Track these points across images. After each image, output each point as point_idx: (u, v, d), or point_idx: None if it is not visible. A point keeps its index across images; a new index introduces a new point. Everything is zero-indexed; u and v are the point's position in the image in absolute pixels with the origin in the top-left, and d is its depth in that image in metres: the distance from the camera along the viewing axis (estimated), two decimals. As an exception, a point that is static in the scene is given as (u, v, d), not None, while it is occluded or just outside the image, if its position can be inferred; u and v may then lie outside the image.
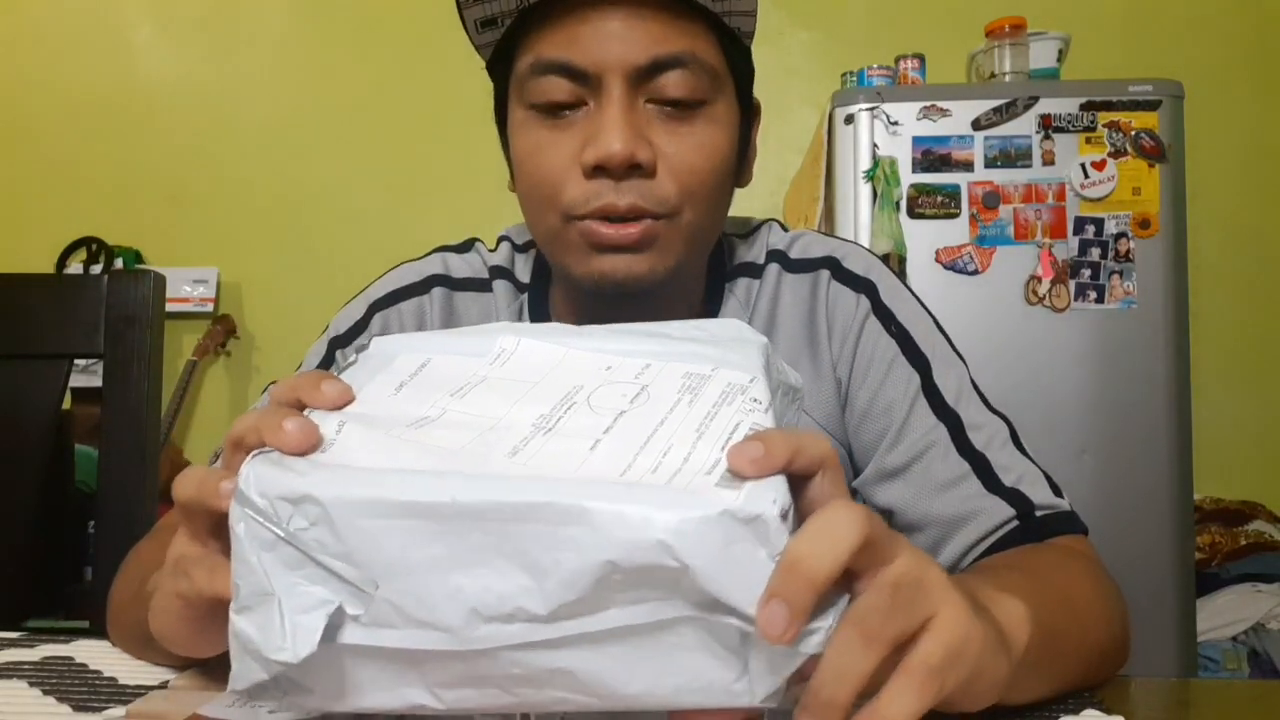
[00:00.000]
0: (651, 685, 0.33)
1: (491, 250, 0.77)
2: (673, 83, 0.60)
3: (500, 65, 0.66)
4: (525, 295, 0.74)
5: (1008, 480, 0.63)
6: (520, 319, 0.73)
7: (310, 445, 0.36)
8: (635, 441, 0.37)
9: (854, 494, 0.68)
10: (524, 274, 0.75)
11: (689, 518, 0.31)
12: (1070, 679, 0.47)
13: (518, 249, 0.77)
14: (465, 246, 0.77)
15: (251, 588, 0.33)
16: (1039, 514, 0.62)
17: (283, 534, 0.33)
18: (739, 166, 0.67)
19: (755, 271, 0.73)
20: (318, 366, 0.71)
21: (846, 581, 0.33)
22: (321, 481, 0.33)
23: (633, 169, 0.59)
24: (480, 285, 0.74)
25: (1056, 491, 0.64)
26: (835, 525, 0.32)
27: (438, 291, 0.73)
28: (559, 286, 0.72)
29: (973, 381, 0.68)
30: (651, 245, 0.61)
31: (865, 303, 0.70)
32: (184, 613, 0.39)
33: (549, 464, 0.35)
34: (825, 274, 0.71)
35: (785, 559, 0.31)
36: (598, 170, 0.59)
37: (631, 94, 0.59)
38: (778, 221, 0.77)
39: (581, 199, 0.60)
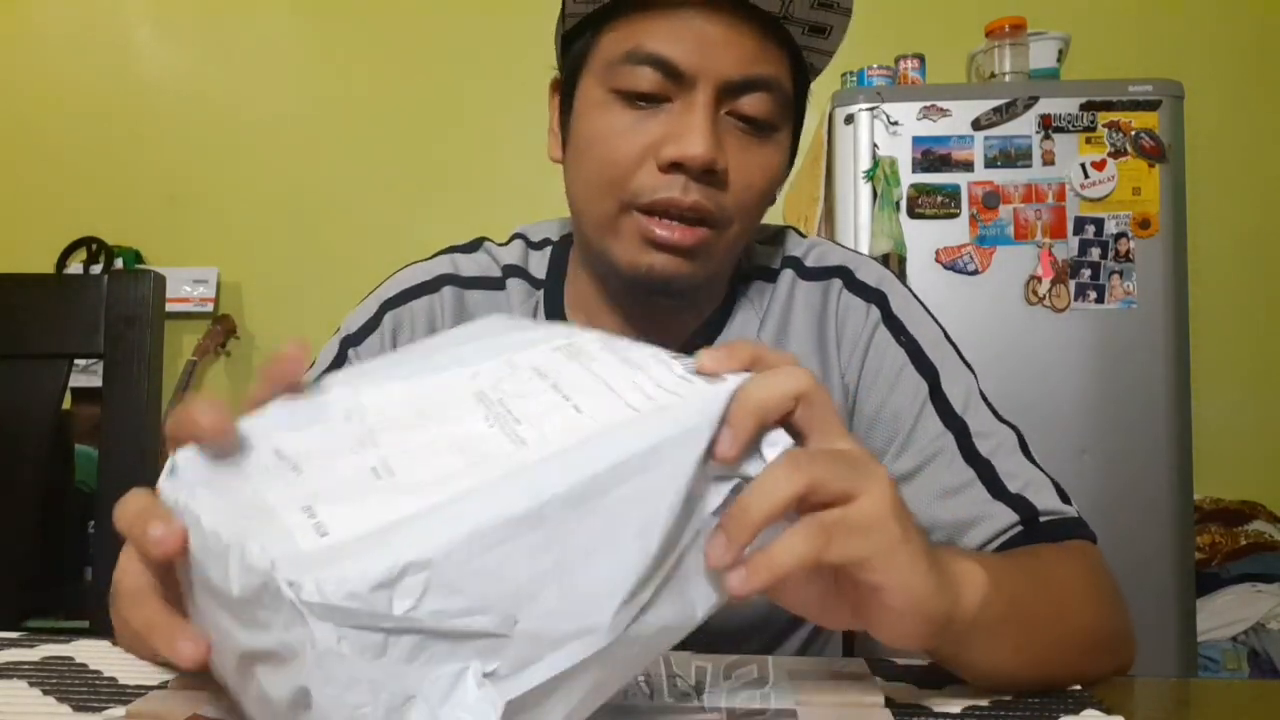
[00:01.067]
0: (709, 593, 0.36)
1: (503, 245, 0.77)
2: (755, 103, 0.62)
3: (581, 39, 0.66)
4: (541, 292, 0.74)
5: (1013, 487, 0.63)
6: (535, 316, 0.74)
7: (222, 428, 0.35)
8: (606, 389, 0.36)
9: None
10: (539, 271, 0.75)
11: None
12: (1046, 658, 0.48)
13: (532, 246, 0.77)
14: (473, 246, 0.78)
15: (386, 704, 0.28)
16: (1043, 519, 0.62)
17: (394, 626, 0.28)
18: None
19: (770, 276, 0.74)
20: (330, 366, 0.72)
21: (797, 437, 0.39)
22: (415, 540, 0.29)
23: (707, 173, 0.61)
24: (492, 284, 0.75)
25: (1064, 499, 0.64)
26: (776, 374, 0.39)
27: (448, 290, 0.74)
28: (580, 281, 0.72)
29: (981, 391, 0.69)
30: (701, 253, 0.63)
31: (875, 313, 0.70)
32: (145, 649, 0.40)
33: (566, 435, 0.34)
34: (837, 283, 0.72)
35: (736, 397, 0.37)
36: (674, 167, 0.60)
37: (717, 103, 0.61)
38: (794, 229, 0.77)
39: (649, 188, 0.61)
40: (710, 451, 0.35)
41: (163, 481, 0.36)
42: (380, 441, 0.35)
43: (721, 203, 0.62)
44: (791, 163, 0.69)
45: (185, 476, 0.35)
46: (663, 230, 0.61)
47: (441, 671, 0.29)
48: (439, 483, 0.32)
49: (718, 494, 0.36)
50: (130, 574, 0.37)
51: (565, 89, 0.68)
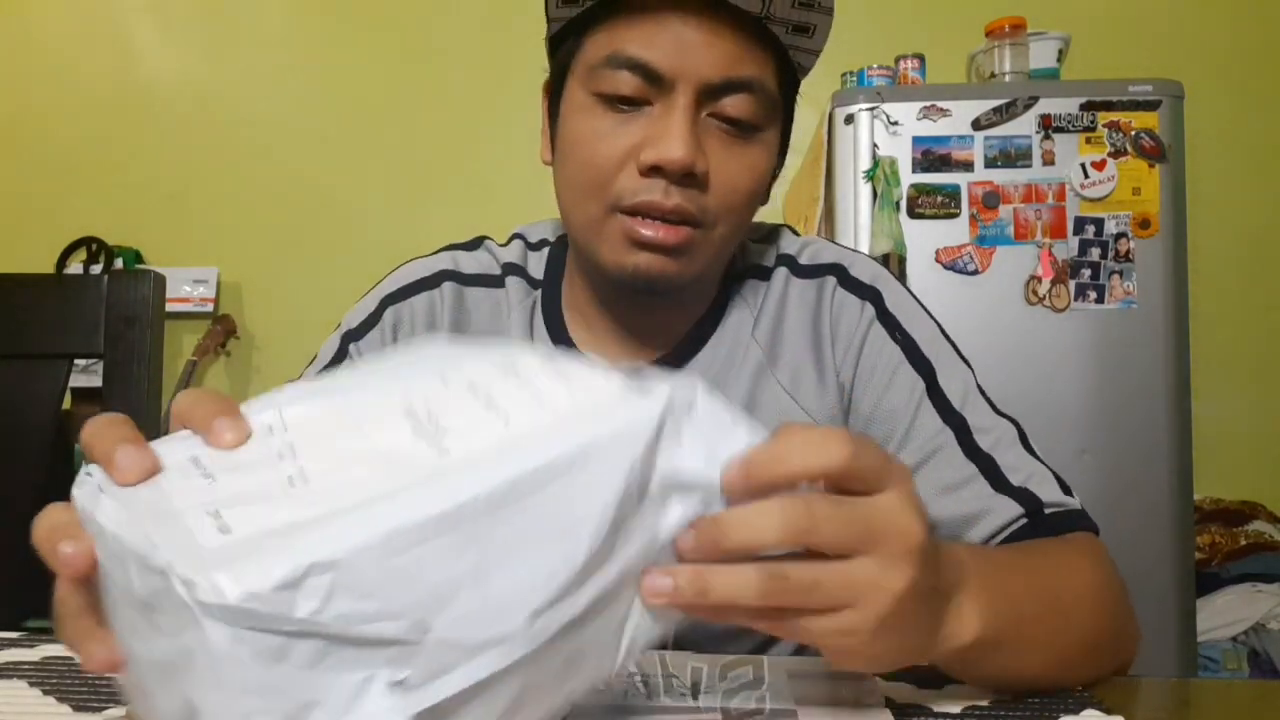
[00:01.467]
0: (649, 627, 0.35)
1: (503, 245, 0.78)
2: (737, 105, 0.62)
3: (566, 42, 0.66)
4: (539, 292, 0.75)
5: (1016, 480, 0.63)
6: (533, 316, 0.74)
7: (147, 473, 0.32)
8: (539, 404, 0.35)
9: None
10: (537, 271, 0.76)
11: (661, 412, 0.34)
12: (1047, 663, 0.49)
13: (531, 247, 0.78)
14: (474, 244, 0.78)
15: (283, 712, 0.27)
16: (1048, 511, 0.62)
17: (296, 629, 0.26)
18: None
19: (763, 274, 0.74)
20: (330, 362, 0.72)
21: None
22: (323, 540, 0.27)
23: (687, 176, 0.61)
24: (492, 281, 0.75)
25: (1067, 491, 0.64)
26: (737, 576, 0.36)
27: (448, 287, 0.74)
28: (575, 281, 0.72)
29: (979, 386, 0.69)
30: (685, 252, 0.63)
31: (870, 310, 0.70)
32: None
33: (491, 445, 0.32)
34: (831, 280, 0.72)
35: (709, 522, 0.35)
36: (654, 170, 0.61)
37: (697, 105, 0.61)
38: (789, 227, 0.77)
39: (630, 191, 0.61)
40: (651, 462, 0.33)
41: (75, 490, 0.35)
42: (300, 453, 0.33)
43: (704, 204, 0.62)
44: (781, 162, 0.69)
45: (95, 482, 0.34)
46: (647, 230, 0.61)
47: (346, 679, 0.27)
48: (353, 487, 0.30)
49: (679, 516, 0.34)
50: (66, 594, 0.36)
51: (553, 92, 0.68)
